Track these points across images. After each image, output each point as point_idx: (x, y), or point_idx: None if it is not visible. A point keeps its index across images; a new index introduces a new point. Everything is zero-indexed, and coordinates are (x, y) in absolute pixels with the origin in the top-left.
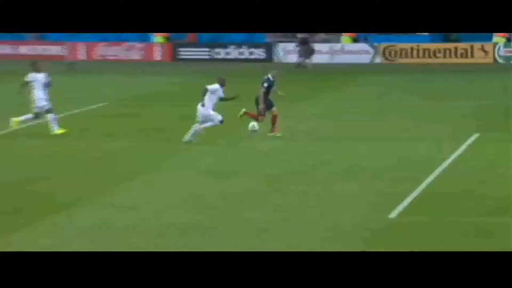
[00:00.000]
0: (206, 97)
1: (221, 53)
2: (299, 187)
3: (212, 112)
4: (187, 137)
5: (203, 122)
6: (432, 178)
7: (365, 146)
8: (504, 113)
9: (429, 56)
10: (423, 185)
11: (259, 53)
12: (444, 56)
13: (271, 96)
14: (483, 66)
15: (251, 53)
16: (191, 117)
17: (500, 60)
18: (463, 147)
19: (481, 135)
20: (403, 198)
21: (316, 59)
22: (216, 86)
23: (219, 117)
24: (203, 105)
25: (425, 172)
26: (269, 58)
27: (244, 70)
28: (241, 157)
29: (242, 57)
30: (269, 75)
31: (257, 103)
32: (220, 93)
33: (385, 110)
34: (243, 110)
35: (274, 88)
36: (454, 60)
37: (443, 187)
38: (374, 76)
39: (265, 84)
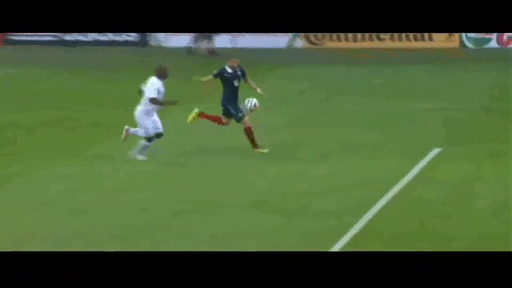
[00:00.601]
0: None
1: (73, 34)
2: (191, 223)
3: (144, 122)
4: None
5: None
6: (377, 210)
7: (285, 167)
8: (475, 120)
9: (371, 39)
10: (365, 220)
11: (129, 34)
12: (392, 39)
13: (233, 97)
14: (447, 53)
15: (117, 35)
16: (40, 125)
17: (469, 44)
18: (420, 166)
19: (444, 150)
20: (336, 239)
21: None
22: (153, 81)
23: (149, 131)
24: (142, 108)
25: (368, 202)
26: (143, 42)
27: (107, 58)
28: (104, 183)
29: (104, 39)
30: (226, 66)
31: (225, 105)
32: (161, 89)
33: (311, 116)
34: (195, 111)
35: (248, 80)
36: (406, 44)
37: (391, 222)
38: (294, 67)
39: (214, 72)
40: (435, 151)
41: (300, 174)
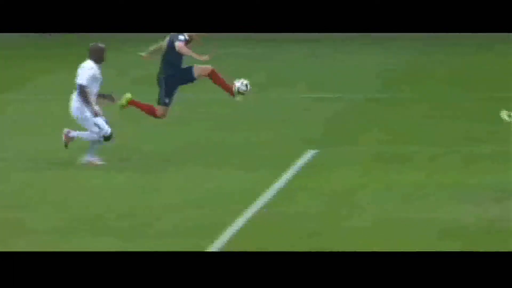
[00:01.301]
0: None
1: None
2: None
3: (89, 115)
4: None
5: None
6: (236, 230)
7: (120, 178)
8: (360, 114)
9: None
10: (220, 243)
11: None
12: None
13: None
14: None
15: None
16: None
17: None
18: (291, 173)
19: (321, 152)
20: None
21: None
22: (89, 64)
23: (102, 129)
24: (78, 100)
25: (225, 219)
26: None
27: None
28: None
29: None
30: (186, 34)
31: (159, 84)
32: (98, 76)
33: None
34: (128, 96)
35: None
36: None
37: (253, 244)
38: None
39: (181, 37)
40: (310, 154)
41: (140, 185)
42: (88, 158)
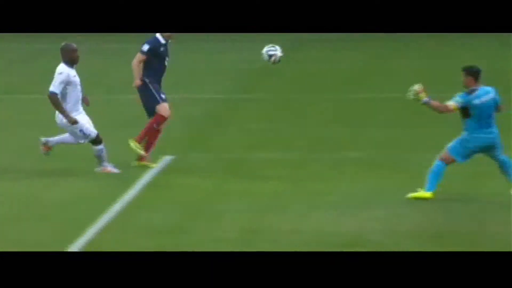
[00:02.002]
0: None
1: None
2: None
3: (66, 121)
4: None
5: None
6: (82, 245)
7: None
8: (218, 116)
9: None
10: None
11: None
12: None
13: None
14: None
15: None
16: None
17: None
18: (143, 181)
19: (177, 158)
20: None
21: None
22: (61, 69)
23: (88, 135)
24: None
25: (73, 232)
26: None
27: None
28: None
29: None
30: (158, 35)
31: (142, 92)
32: (73, 79)
33: None
34: (136, 148)
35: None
36: None
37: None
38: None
39: (145, 47)
40: (164, 161)
41: None
42: (101, 167)
